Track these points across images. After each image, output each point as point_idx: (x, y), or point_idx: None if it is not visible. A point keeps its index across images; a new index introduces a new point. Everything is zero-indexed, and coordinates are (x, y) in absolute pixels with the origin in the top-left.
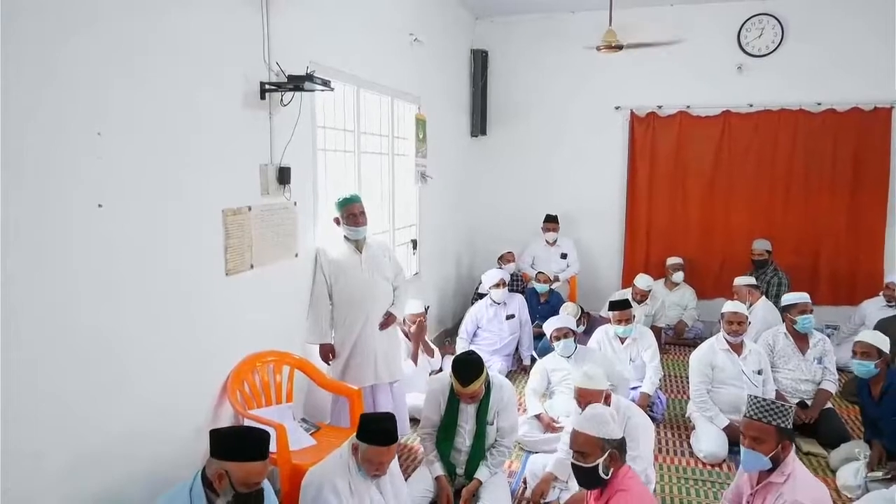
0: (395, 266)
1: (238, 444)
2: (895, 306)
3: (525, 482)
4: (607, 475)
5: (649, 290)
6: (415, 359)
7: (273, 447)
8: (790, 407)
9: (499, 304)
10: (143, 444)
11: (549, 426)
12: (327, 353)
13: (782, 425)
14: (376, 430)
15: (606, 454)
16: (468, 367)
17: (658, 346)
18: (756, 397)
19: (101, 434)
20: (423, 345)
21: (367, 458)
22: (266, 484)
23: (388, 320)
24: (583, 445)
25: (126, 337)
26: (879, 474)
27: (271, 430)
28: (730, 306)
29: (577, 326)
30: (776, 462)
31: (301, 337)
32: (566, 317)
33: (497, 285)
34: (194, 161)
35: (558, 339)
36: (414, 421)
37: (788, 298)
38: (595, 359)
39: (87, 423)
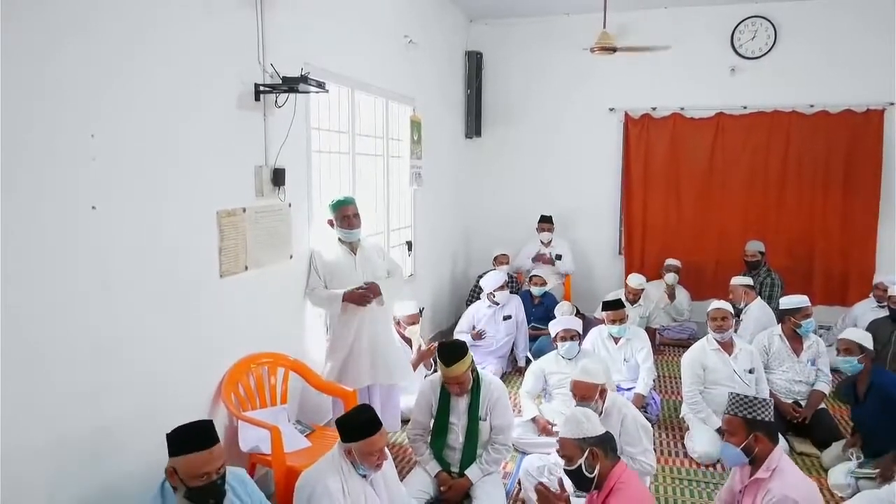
0: (390, 263)
1: (178, 438)
2: (886, 306)
3: (520, 483)
4: (592, 473)
5: (642, 289)
6: (413, 368)
7: (268, 449)
8: (762, 401)
9: (497, 304)
10: (135, 445)
11: (545, 429)
12: (356, 293)
13: (748, 416)
14: (358, 425)
15: (587, 452)
16: (451, 349)
17: (652, 347)
18: (734, 394)
19: (94, 435)
20: (424, 363)
21: (363, 452)
22: (247, 478)
23: (371, 287)
24: (565, 450)
25: (120, 339)
26: (869, 471)
27: (266, 432)
28: (713, 304)
29: None
30: (749, 453)
31: (295, 339)
32: (573, 318)
33: (501, 287)
34: (188, 162)
35: (564, 339)
36: (407, 422)
37: (791, 302)
38: (592, 360)
39: (82, 424)
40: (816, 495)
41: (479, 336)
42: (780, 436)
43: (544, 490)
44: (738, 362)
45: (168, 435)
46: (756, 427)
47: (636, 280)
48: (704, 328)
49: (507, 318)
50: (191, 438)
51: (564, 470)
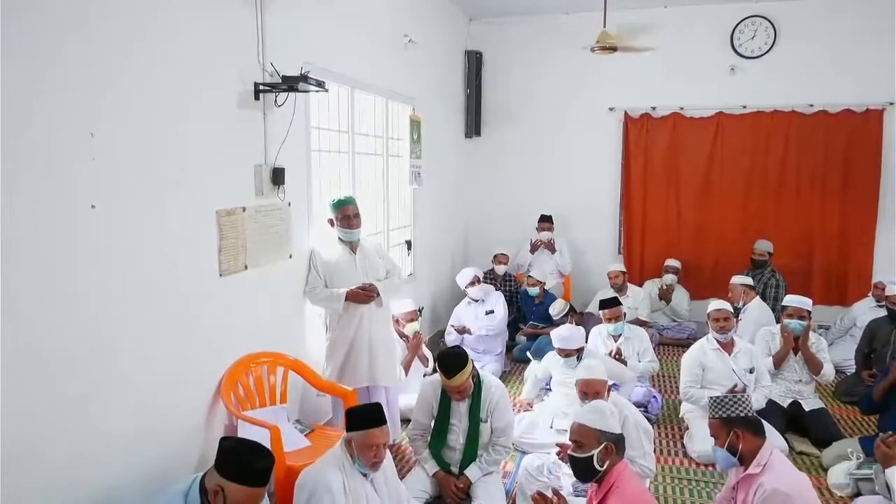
0: (389, 263)
1: (241, 465)
2: (885, 306)
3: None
4: (602, 467)
5: (622, 272)
6: (407, 368)
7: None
8: (735, 398)
9: (476, 301)
10: (135, 445)
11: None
12: (358, 291)
13: (723, 416)
14: (364, 416)
15: (602, 446)
16: (452, 359)
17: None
18: (712, 398)
19: (95, 435)
20: (418, 356)
21: (363, 444)
22: None
23: (369, 288)
24: (580, 435)
25: (119, 338)
26: (868, 471)
27: (265, 432)
28: (714, 304)
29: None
30: (735, 451)
31: (295, 338)
32: (573, 333)
33: (472, 283)
34: (188, 162)
35: (560, 355)
36: (407, 422)
37: (789, 300)
38: (593, 359)
39: (80, 424)
40: (807, 488)
41: (463, 330)
42: (777, 432)
43: (540, 499)
44: (738, 362)
45: (229, 451)
46: (734, 424)
47: (614, 266)
48: (704, 328)
49: (489, 312)
50: (254, 472)
51: (570, 456)
